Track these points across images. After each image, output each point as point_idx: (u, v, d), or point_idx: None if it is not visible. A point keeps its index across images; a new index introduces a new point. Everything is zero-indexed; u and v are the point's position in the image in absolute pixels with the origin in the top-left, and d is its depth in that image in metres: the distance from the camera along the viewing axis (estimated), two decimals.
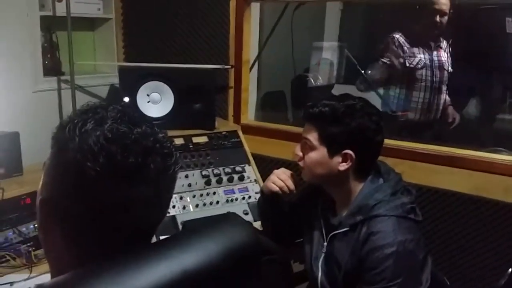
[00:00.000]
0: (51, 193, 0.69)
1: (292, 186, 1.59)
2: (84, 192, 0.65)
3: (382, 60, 2.70)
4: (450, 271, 1.87)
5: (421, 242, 1.38)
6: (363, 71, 2.93)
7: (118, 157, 0.64)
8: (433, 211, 1.91)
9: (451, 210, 1.89)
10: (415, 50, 2.66)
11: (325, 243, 1.46)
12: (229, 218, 0.75)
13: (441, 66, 2.69)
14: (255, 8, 2.44)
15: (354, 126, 1.35)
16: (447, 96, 2.75)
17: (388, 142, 1.98)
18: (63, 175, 0.67)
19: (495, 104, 3.02)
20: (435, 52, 2.69)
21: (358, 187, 1.41)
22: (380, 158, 1.49)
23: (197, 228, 0.71)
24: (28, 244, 1.69)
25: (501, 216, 1.81)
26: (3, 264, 1.59)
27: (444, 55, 2.72)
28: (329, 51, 4.08)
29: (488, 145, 2.17)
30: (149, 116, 2.02)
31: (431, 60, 2.68)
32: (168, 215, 1.89)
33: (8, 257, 1.61)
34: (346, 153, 1.36)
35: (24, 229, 1.73)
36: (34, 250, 1.66)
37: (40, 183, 0.72)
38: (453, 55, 2.71)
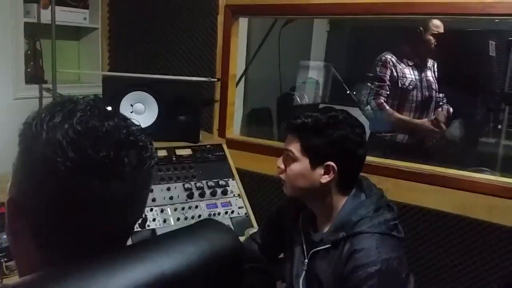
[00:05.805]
0: (19, 192, 0.65)
1: None
2: (53, 189, 0.61)
3: (380, 75, 2.66)
4: None
5: (404, 260, 1.36)
6: (348, 91, 2.95)
7: (89, 150, 0.60)
8: (416, 230, 1.89)
9: (434, 229, 1.87)
10: (406, 70, 2.68)
11: (306, 260, 1.43)
12: (210, 223, 0.71)
13: (429, 86, 2.72)
14: (243, 23, 2.44)
15: (336, 137, 1.33)
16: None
17: (372, 159, 1.99)
18: (31, 173, 0.63)
19: (479, 127, 3.05)
20: (423, 73, 2.72)
21: (340, 203, 1.39)
22: (365, 175, 1.47)
23: (177, 231, 0.68)
24: (0, 254, 1.63)
25: (484, 236, 1.80)
26: None
27: (430, 75, 2.74)
28: (315, 71, 4.12)
29: (471, 166, 2.18)
30: None
31: (421, 81, 2.70)
32: (148, 228, 1.86)
33: None
34: (329, 165, 1.34)
35: None
36: (6, 261, 1.60)
37: (8, 184, 0.68)
38: (438, 77, 2.73)
